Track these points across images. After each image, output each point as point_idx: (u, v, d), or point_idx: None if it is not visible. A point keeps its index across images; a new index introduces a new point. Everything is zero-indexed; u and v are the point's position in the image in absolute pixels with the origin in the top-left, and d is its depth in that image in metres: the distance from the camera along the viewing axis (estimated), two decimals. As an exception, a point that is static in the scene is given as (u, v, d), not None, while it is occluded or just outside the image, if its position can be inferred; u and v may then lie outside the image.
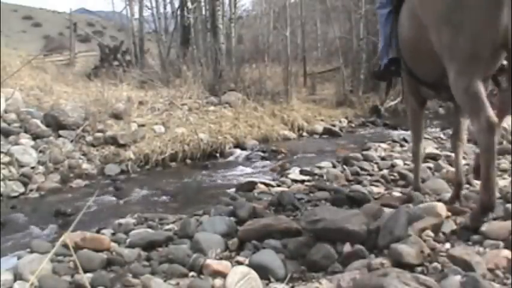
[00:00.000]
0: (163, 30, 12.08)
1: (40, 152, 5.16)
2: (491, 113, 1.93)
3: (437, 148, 4.30)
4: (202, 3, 10.67)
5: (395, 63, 2.53)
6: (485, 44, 1.86)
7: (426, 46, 2.09)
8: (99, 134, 5.88)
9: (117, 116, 6.40)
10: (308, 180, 3.61)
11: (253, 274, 1.90)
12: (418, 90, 2.56)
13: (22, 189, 4.59)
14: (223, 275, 1.97)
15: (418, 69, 2.40)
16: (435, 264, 1.83)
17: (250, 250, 2.26)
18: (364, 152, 4.33)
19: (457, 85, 1.96)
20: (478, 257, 1.78)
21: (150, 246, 2.41)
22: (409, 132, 6.63)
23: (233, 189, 3.99)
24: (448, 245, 2.01)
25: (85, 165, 5.34)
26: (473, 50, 1.87)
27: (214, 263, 2.08)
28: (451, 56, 1.95)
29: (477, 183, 2.95)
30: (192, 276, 2.07)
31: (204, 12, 10.65)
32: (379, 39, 2.79)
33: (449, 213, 2.35)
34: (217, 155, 6.26)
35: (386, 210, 2.49)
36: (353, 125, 8.98)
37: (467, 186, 2.94)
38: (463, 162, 3.49)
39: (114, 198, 4.42)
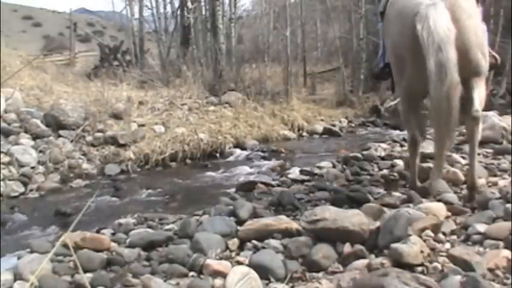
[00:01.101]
0: (163, 30, 12.06)
1: (40, 152, 5.16)
2: None
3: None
4: (202, 3, 10.67)
5: (389, 67, 2.91)
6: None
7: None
8: (99, 134, 5.88)
9: (117, 116, 6.39)
10: (308, 180, 3.61)
11: (253, 274, 1.91)
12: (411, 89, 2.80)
13: (22, 189, 4.58)
14: (223, 275, 1.97)
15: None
16: (435, 264, 1.83)
17: (250, 250, 2.26)
18: (364, 152, 4.32)
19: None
20: (478, 257, 1.78)
21: (150, 246, 2.41)
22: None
23: (233, 189, 3.98)
24: (448, 245, 2.01)
25: (85, 165, 5.34)
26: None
27: (214, 263, 2.08)
28: None
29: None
30: (192, 276, 2.07)
31: (204, 12, 10.65)
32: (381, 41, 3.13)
33: (449, 213, 2.36)
34: (217, 155, 6.26)
35: (387, 210, 2.49)
36: (353, 125, 8.98)
37: (467, 186, 2.93)
38: (463, 162, 3.50)
39: (114, 198, 4.42)
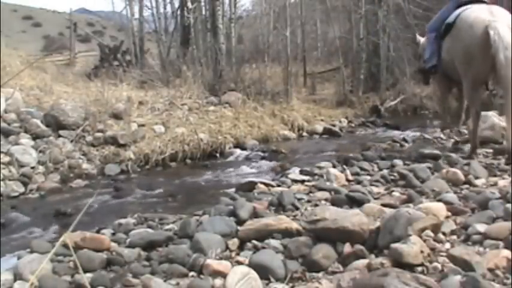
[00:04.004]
0: (163, 30, 12.05)
1: (40, 152, 5.16)
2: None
3: (437, 148, 4.30)
4: (202, 3, 10.66)
5: (436, 67, 4.22)
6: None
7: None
8: (99, 134, 5.88)
9: (117, 116, 6.39)
10: (308, 180, 3.60)
11: (253, 274, 1.91)
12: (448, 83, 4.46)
13: (22, 189, 4.59)
14: (223, 275, 1.97)
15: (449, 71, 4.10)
16: (435, 264, 1.83)
17: (250, 250, 2.26)
18: (364, 152, 4.32)
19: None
20: (478, 257, 1.78)
21: (150, 246, 2.41)
22: (408, 132, 6.61)
23: (233, 189, 3.98)
24: (448, 245, 2.01)
25: (85, 165, 5.34)
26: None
27: (214, 263, 2.08)
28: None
29: (478, 183, 2.96)
30: (192, 276, 2.07)
31: (204, 12, 10.64)
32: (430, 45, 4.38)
33: (449, 213, 2.36)
34: (217, 155, 6.26)
35: (387, 210, 2.49)
36: (353, 125, 8.97)
37: (467, 186, 2.94)
38: (463, 161, 3.50)
39: (114, 198, 4.42)
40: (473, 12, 3.67)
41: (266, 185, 3.59)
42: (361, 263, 1.95)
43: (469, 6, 3.81)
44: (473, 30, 3.56)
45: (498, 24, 3.42)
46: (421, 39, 4.90)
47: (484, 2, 3.92)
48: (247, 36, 17.20)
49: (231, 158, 6.24)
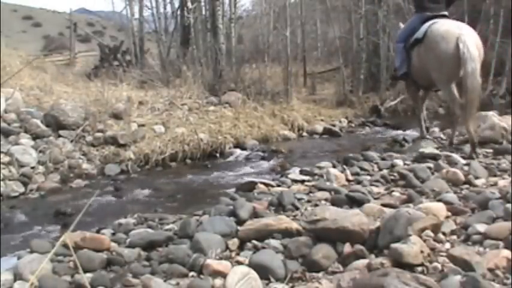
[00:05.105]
0: (163, 30, 12.04)
1: (40, 152, 5.16)
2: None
3: (437, 148, 4.30)
4: (202, 3, 10.65)
5: (406, 74, 4.78)
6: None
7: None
8: (99, 134, 5.88)
9: (117, 116, 6.39)
10: (308, 180, 3.60)
11: (253, 274, 1.91)
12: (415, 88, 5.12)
13: (22, 189, 4.59)
14: (223, 275, 1.97)
15: (419, 79, 4.75)
16: (435, 264, 1.83)
17: (250, 250, 2.26)
18: (364, 152, 4.32)
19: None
20: (478, 257, 1.78)
21: (150, 246, 2.41)
22: (407, 132, 6.66)
23: (233, 189, 3.98)
24: (448, 245, 2.01)
25: (85, 165, 5.34)
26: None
27: (214, 263, 2.08)
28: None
29: (478, 183, 2.96)
30: (192, 276, 2.07)
31: (204, 12, 10.63)
32: (395, 44, 5.16)
33: (449, 213, 2.36)
34: (217, 155, 6.25)
35: (387, 210, 2.49)
36: (353, 125, 8.96)
37: (467, 186, 2.94)
38: (463, 162, 3.50)
39: (114, 198, 4.42)
40: (444, 26, 4.21)
41: (266, 185, 3.59)
42: (361, 263, 1.95)
43: (436, 20, 4.32)
44: (445, 41, 4.09)
45: (467, 38, 4.01)
46: None
47: (447, 17, 4.50)
48: (247, 36, 17.19)
49: (231, 158, 6.24)
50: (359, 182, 3.36)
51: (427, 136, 5.16)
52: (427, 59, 4.32)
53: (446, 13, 4.56)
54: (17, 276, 2.10)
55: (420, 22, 4.47)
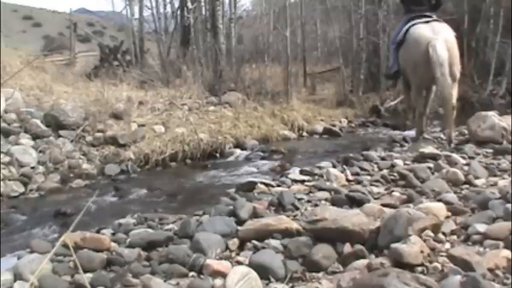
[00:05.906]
0: (163, 30, 12.04)
1: (40, 152, 5.16)
2: None
3: (437, 148, 4.30)
4: (202, 3, 10.66)
5: (398, 73, 5.03)
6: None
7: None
8: (99, 134, 5.88)
9: (117, 116, 6.39)
10: (308, 180, 3.60)
11: (253, 274, 1.90)
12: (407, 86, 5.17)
13: (22, 189, 4.59)
14: (223, 275, 1.97)
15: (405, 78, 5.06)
16: (435, 264, 1.83)
17: (250, 250, 2.25)
18: (364, 152, 4.32)
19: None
20: (478, 257, 1.78)
21: (150, 246, 2.40)
22: (407, 132, 6.70)
23: (233, 189, 3.98)
24: (448, 245, 2.01)
25: (85, 165, 5.34)
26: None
27: (214, 263, 2.08)
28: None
29: (478, 183, 2.96)
30: (192, 276, 2.07)
31: (204, 12, 10.64)
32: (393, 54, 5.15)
33: (449, 213, 2.36)
34: (217, 155, 6.25)
35: (387, 210, 2.49)
36: (353, 125, 8.96)
37: (467, 186, 2.94)
38: (463, 162, 3.50)
39: (114, 198, 4.42)
40: (418, 29, 4.40)
41: (266, 185, 3.59)
42: (361, 263, 1.95)
43: (415, 21, 4.50)
44: (418, 45, 4.34)
45: (437, 42, 4.19)
46: None
47: (430, 16, 4.60)
48: (247, 36, 17.20)
49: (231, 158, 6.23)
50: (359, 182, 3.36)
51: (426, 136, 5.16)
52: (404, 61, 4.63)
53: (429, 14, 4.65)
54: (17, 276, 2.10)
55: (405, 23, 4.67)
